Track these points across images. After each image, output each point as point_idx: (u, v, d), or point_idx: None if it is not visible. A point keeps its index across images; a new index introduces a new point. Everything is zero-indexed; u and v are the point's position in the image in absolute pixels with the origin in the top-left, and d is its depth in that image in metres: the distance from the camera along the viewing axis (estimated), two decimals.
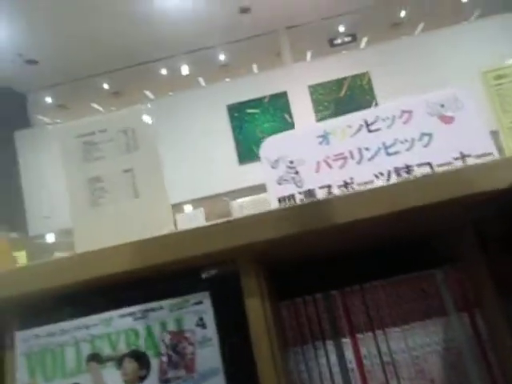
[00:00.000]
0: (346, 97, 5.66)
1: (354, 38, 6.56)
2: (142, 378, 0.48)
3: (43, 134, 5.04)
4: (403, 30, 6.53)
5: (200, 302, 0.51)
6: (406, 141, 0.78)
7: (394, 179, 0.76)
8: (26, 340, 0.49)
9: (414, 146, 0.77)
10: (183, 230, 0.50)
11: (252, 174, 4.67)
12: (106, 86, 5.92)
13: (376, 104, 5.43)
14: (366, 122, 0.83)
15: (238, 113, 5.56)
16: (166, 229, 0.79)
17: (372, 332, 0.60)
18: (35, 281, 0.49)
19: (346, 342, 0.59)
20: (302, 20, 5.78)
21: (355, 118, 0.84)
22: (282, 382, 0.51)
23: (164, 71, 6.08)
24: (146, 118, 0.94)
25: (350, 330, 0.60)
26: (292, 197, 0.81)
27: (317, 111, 5.68)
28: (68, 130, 0.93)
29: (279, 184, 0.83)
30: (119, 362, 0.49)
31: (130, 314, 0.50)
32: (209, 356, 0.49)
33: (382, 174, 0.77)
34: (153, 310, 0.50)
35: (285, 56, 6.06)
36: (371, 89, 5.66)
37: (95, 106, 6.33)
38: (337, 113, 5.22)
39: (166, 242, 0.49)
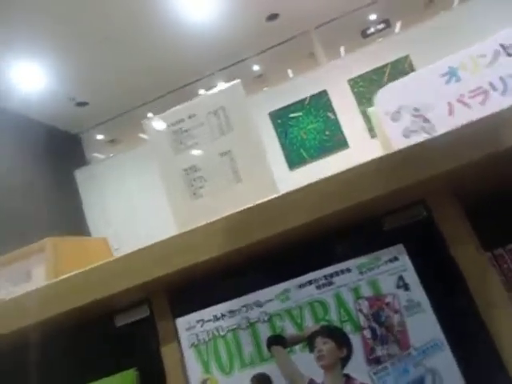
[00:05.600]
0: (389, 84, 5.38)
1: (388, 24, 6.30)
2: (344, 360, 0.37)
3: (101, 169, 5.25)
4: (439, 6, 6.18)
5: (395, 259, 0.39)
6: None
7: None
8: (189, 328, 0.41)
9: None
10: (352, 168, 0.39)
11: (304, 178, 4.53)
12: (149, 115, 6.14)
13: None
14: (502, 46, 0.69)
15: (281, 119, 5.48)
16: None
17: None
18: (186, 253, 0.41)
19: None
20: (330, 17, 5.65)
21: (486, 45, 0.71)
22: None
23: (202, 91, 6.19)
24: (237, 95, 0.86)
25: None
26: None
27: (360, 104, 5.47)
28: (156, 122, 0.87)
29: (406, 137, 0.71)
30: (310, 342, 0.38)
31: (311, 282, 0.39)
32: (422, 325, 0.37)
33: None
34: (338, 273, 0.39)
35: (318, 55, 5.94)
36: (414, 70, 5.37)
37: (143, 135, 6.57)
38: None
39: (340, 184, 0.39)
